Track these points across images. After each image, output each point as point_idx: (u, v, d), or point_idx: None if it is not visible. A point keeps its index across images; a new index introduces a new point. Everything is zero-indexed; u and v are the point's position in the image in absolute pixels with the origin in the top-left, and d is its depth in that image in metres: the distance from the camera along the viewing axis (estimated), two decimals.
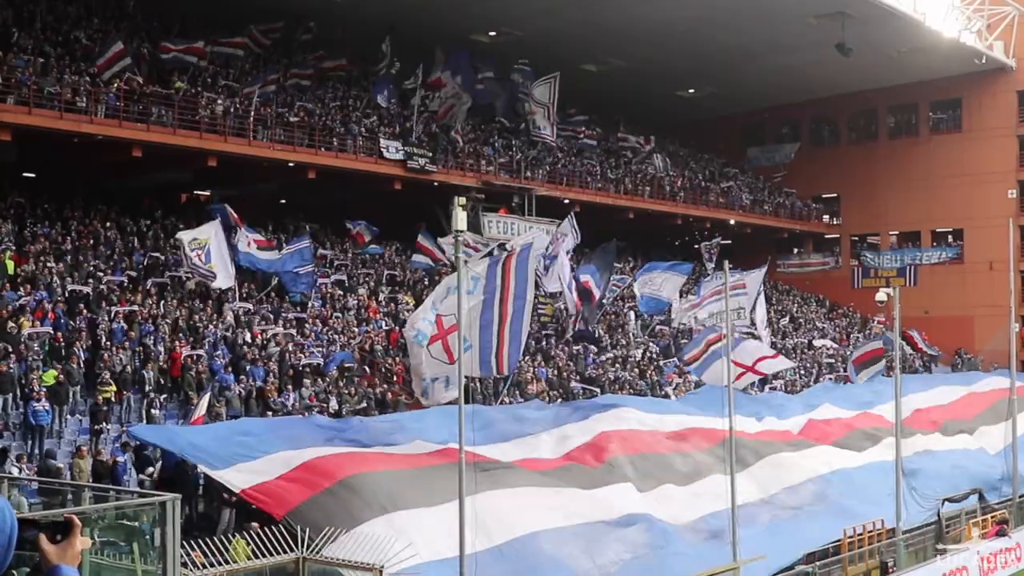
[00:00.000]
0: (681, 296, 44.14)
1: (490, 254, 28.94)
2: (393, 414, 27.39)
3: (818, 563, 24.28)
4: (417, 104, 41.72)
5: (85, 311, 27.46)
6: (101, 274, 29.96)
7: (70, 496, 14.49)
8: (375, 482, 20.70)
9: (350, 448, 22.48)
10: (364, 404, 28.78)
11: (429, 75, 42.13)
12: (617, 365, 39.15)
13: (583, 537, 22.41)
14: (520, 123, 47.76)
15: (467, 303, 24.00)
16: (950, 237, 60.84)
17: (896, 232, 62.73)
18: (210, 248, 30.75)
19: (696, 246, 58.03)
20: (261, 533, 16.53)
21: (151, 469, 22.42)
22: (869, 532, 25.96)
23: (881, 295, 33.85)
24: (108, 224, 33.61)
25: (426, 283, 39.71)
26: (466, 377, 24.47)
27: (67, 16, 36.31)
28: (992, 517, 29.31)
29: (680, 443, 28.72)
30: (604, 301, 40.38)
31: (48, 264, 28.99)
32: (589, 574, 21.23)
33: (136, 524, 12.32)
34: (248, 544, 16.79)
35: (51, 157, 33.66)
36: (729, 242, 56.60)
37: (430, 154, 40.90)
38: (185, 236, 30.50)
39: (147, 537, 10.75)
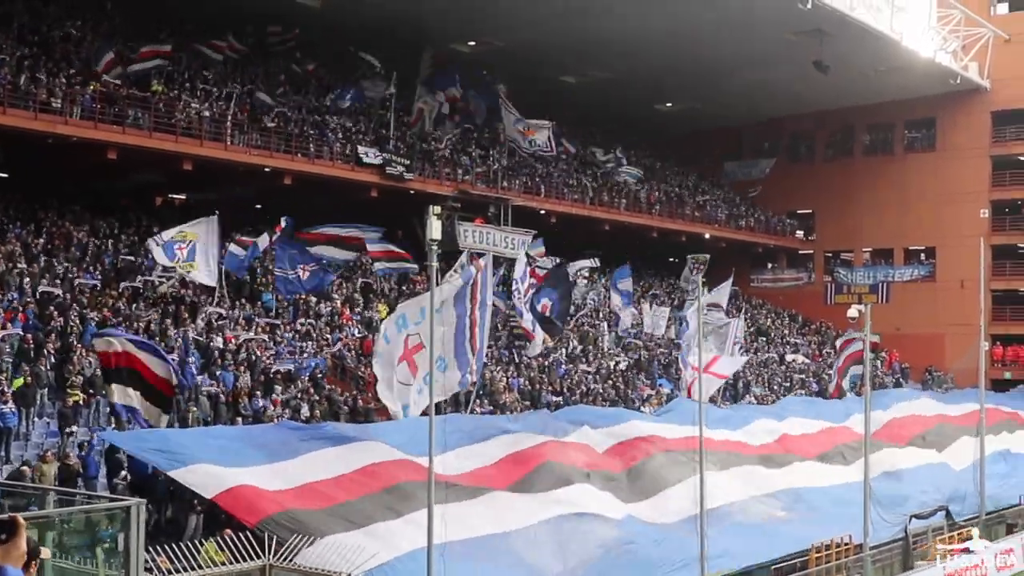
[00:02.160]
0: (651, 306, 44.37)
1: (462, 266, 28.83)
2: (364, 424, 27.27)
3: None
4: (391, 111, 41.74)
5: (56, 313, 27.25)
6: (73, 276, 29.76)
7: (33, 500, 14.39)
8: (350, 506, 20.67)
9: (323, 464, 22.27)
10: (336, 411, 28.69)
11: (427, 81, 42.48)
12: (589, 377, 39.20)
13: (553, 536, 22.43)
14: (499, 135, 47.85)
15: (439, 321, 24.06)
16: (923, 255, 61.29)
17: (869, 249, 63.16)
18: (196, 245, 30.64)
19: (672, 259, 58.32)
20: (231, 539, 16.47)
21: (124, 473, 22.23)
22: (837, 547, 26.09)
23: (853, 311, 33.95)
24: (81, 226, 33.44)
25: (401, 290, 39.69)
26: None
27: (45, 16, 36.10)
28: (958, 534, 29.49)
29: (648, 449, 28.79)
30: (559, 323, 39.75)
31: (19, 265, 28.79)
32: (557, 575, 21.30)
33: (99, 529, 12.25)
34: (220, 551, 16.73)
35: (25, 158, 33.45)
36: (707, 256, 56.73)
37: (407, 162, 40.92)
38: (170, 231, 30.33)
39: (107, 544, 10.70)
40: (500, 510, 22.81)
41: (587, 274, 47.11)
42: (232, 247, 32.73)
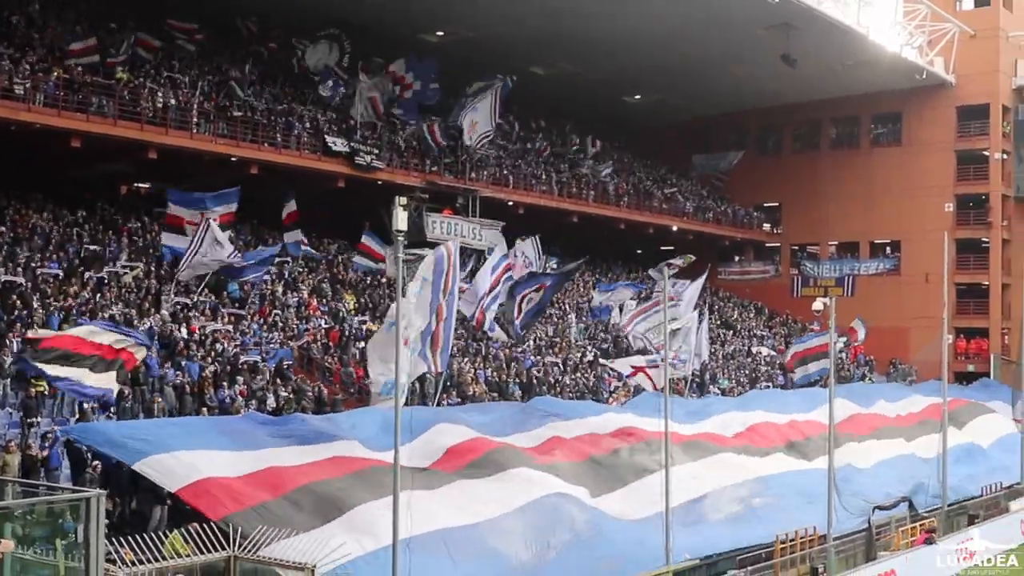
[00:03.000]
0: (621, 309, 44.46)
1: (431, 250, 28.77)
2: (330, 414, 27.20)
3: (750, 567, 24.52)
4: (360, 101, 41.56)
5: (19, 303, 26.96)
6: (36, 265, 29.46)
7: None
8: (317, 491, 20.59)
9: (289, 453, 22.19)
10: (302, 402, 28.58)
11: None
12: (557, 368, 39.26)
13: (522, 523, 22.44)
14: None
15: (413, 305, 24.03)
16: (888, 248, 61.77)
17: (835, 242, 63.58)
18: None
19: (639, 251, 58.49)
20: (196, 531, 16.38)
21: (96, 463, 21.99)
22: (801, 538, 26.26)
23: (818, 304, 34.31)
24: (45, 215, 33.10)
25: (368, 282, 39.57)
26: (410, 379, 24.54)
27: (6, 2, 35.61)
28: (921, 525, 29.75)
29: (616, 443, 28.85)
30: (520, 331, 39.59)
31: None
32: (525, 564, 21.24)
33: (62, 521, 12.16)
34: (185, 544, 16.62)
35: None
36: (672, 248, 57.05)
37: (376, 151, 40.79)
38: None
39: (70, 537, 10.61)
40: (469, 499, 22.75)
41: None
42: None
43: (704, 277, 44.91)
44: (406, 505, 17.75)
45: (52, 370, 21.73)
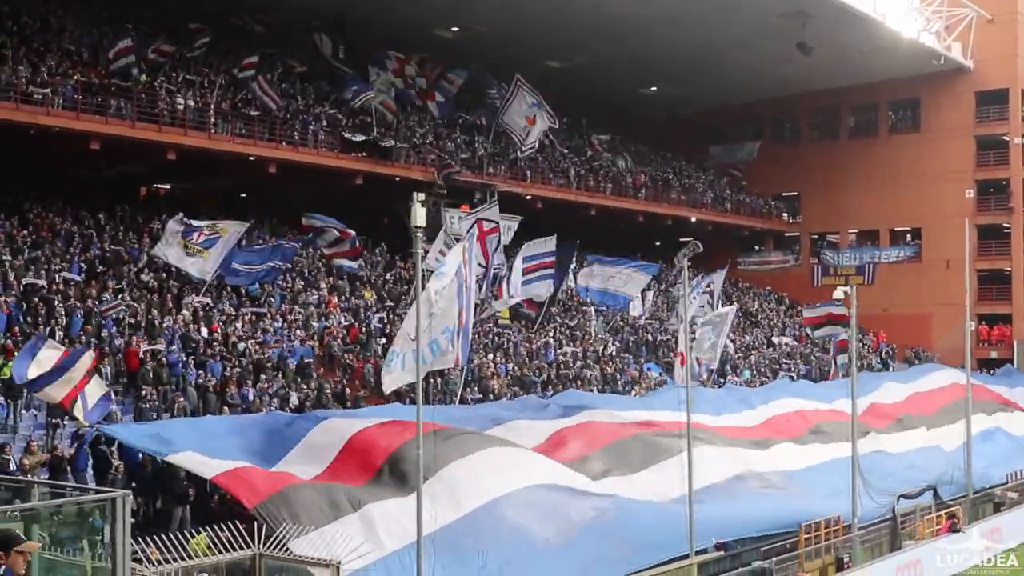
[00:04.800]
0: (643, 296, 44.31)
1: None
2: (353, 409, 27.33)
3: (775, 559, 24.45)
4: (374, 98, 41.69)
5: (41, 305, 27.14)
6: (57, 268, 29.62)
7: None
8: (342, 487, 20.68)
9: (315, 449, 22.38)
10: (324, 400, 28.68)
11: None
12: (579, 362, 39.24)
13: (546, 499, 22.42)
14: (486, 121, 47.77)
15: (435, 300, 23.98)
16: (908, 236, 61.43)
17: (855, 230, 63.25)
18: (219, 239, 30.79)
19: (658, 243, 58.33)
20: (220, 529, 16.45)
21: (118, 463, 22.18)
22: (826, 528, 26.18)
23: (839, 293, 34.12)
24: (65, 217, 33.28)
25: (386, 278, 39.63)
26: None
27: (24, 4, 35.82)
28: (945, 513, 29.62)
29: (640, 432, 28.87)
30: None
31: (3, 257, 28.65)
32: (550, 542, 21.19)
33: (92, 519, 12.23)
34: (211, 547, 16.68)
35: (8, 149, 33.22)
36: (691, 239, 56.75)
37: (392, 142, 40.95)
38: (203, 221, 30.34)
39: (98, 537, 10.69)
40: (492, 472, 22.79)
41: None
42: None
43: (725, 269, 44.77)
44: (432, 490, 17.70)
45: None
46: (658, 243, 59.47)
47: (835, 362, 40.79)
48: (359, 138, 39.89)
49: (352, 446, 22.37)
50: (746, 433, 32.66)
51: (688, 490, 22.83)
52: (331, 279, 37.43)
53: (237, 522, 17.00)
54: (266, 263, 33.04)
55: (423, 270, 20.02)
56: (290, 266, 35.55)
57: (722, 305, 43.68)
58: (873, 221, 61.78)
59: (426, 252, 30.93)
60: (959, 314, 37.14)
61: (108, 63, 33.69)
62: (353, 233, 36.18)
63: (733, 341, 46.68)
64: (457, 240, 28.80)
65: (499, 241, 35.96)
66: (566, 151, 53.65)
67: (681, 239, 55.94)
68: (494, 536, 20.54)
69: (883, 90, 60.41)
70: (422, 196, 17.66)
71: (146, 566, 15.11)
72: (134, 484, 20.74)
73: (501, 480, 22.27)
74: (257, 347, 29.86)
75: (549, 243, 36.02)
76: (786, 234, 65.30)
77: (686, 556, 22.43)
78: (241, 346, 29.48)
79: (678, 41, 49.92)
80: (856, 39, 51.78)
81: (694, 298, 37.87)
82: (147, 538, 15.68)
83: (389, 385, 22.91)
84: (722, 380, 42.09)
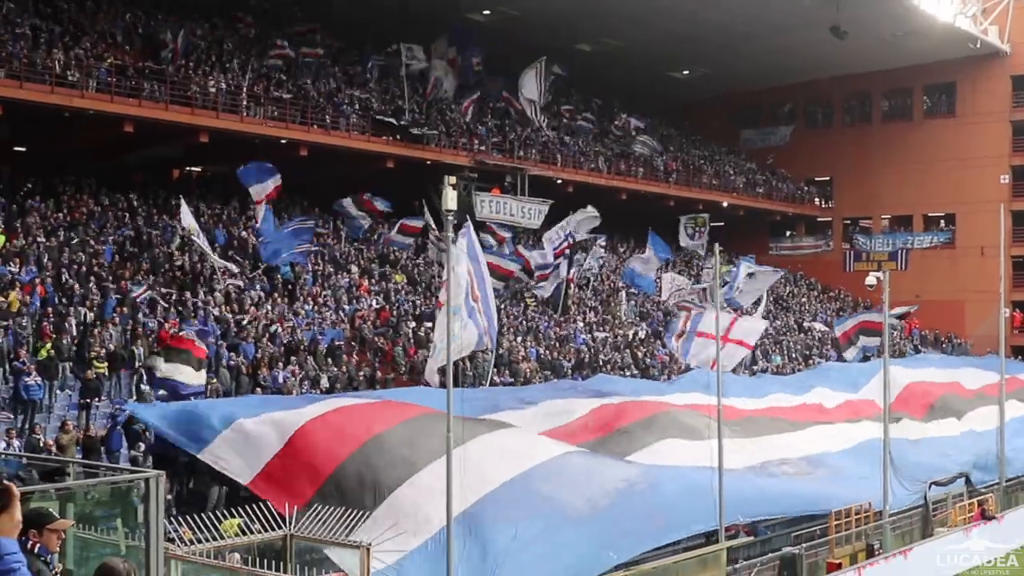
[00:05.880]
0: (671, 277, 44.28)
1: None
2: (382, 390, 27.46)
3: (805, 545, 24.39)
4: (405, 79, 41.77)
5: (76, 287, 27.39)
6: (92, 250, 29.85)
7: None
8: (373, 455, 20.71)
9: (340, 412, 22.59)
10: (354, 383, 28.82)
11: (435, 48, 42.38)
12: (608, 346, 39.20)
13: (577, 468, 22.41)
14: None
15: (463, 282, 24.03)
16: (942, 221, 60.95)
17: (888, 216, 62.81)
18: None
19: (678, 217, 58.12)
20: (253, 511, 16.56)
21: (143, 445, 22.43)
22: (857, 514, 26.07)
23: (871, 279, 33.96)
24: (99, 200, 33.52)
25: (417, 261, 39.70)
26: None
27: None
28: (977, 501, 29.45)
29: (670, 411, 28.88)
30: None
31: (39, 239, 28.91)
32: (580, 512, 21.16)
33: (130, 498, 12.36)
34: (243, 531, 16.79)
35: (42, 132, 33.52)
36: (722, 224, 56.59)
37: (423, 126, 41.00)
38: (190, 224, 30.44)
39: (135, 514, 10.81)
40: (524, 444, 22.86)
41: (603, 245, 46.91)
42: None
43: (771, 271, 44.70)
44: (459, 477, 17.71)
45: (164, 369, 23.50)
46: (678, 217, 59.09)
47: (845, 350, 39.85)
48: (392, 123, 39.94)
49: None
50: (782, 414, 32.57)
51: (719, 476, 22.72)
52: (362, 262, 37.55)
53: (270, 503, 17.12)
54: (300, 245, 33.20)
55: (445, 250, 20.01)
56: (320, 248, 35.72)
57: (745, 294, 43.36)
58: (906, 206, 61.29)
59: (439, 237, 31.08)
60: (993, 301, 36.90)
61: (156, 50, 34.00)
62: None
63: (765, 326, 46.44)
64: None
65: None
66: (597, 133, 53.51)
67: (713, 224, 55.91)
68: (526, 508, 20.46)
69: (918, 74, 59.87)
70: (453, 179, 17.69)
71: (179, 546, 15.24)
72: (165, 464, 20.91)
73: (530, 451, 22.34)
74: (288, 330, 30.00)
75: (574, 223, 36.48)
76: (818, 219, 64.94)
77: (714, 532, 22.41)
78: (273, 328, 29.62)
79: (710, 24, 49.63)
80: (891, 23, 51.34)
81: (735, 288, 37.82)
82: (181, 518, 15.81)
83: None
84: (754, 367, 41.94)
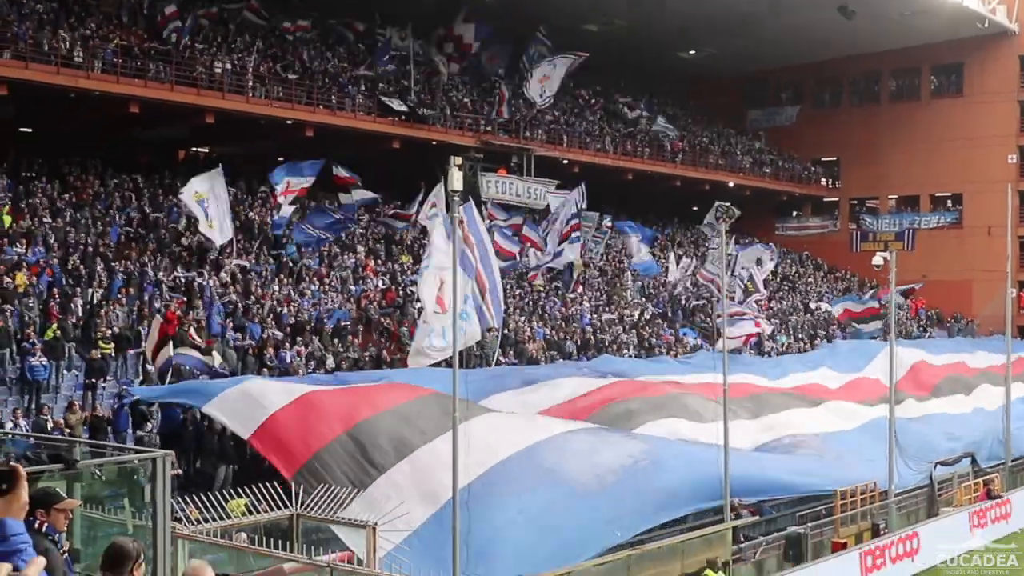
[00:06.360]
0: (677, 259, 44.25)
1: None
2: (387, 370, 27.51)
3: (810, 524, 24.45)
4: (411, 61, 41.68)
5: (81, 267, 27.45)
6: (98, 231, 29.90)
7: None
8: (379, 426, 20.77)
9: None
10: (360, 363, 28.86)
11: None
12: (615, 327, 39.22)
13: (583, 444, 22.48)
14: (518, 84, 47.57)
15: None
16: (949, 201, 60.74)
17: (895, 196, 62.60)
18: (208, 201, 30.69)
19: (695, 207, 57.96)
20: (259, 490, 16.62)
21: (149, 425, 22.54)
22: (862, 494, 26.12)
23: (878, 259, 33.81)
24: (105, 181, 33.54)
25: (424, 242, 39.63)
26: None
27: None
28: (982, 480, 29.48)
29: (674, 391, 28.95)
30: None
31: (45, 220, 28.95)
32: (588, 487, 21.23)
33: (136, 477, 12.40)
34: (249, 510, 16.86)
35: (48, 112, 33.52)
36: (728, 204, 56.32)
37: (431, 111, 40.92)
38: (186, 190, 30.33)
39: (144, 493, 10.86)
40: (525, 423, 22.96)
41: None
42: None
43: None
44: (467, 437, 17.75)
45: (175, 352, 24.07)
46: (695, 208, 59.05)
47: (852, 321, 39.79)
48: (397, 103, 39.81)
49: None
50: (786, 394, 32.61)
51: (724, 456, 22.76)
52: (369, 243, 37.56)
53: (275, 483, 17.18)
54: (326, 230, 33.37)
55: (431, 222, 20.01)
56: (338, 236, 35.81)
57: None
58: (913, 186, 61.08)
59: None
60: (1000, 281, 36.78)
61: (158, 30, 33.86)
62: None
63: (771, 308, 46.44)
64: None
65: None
66: (601, 114, 53.36)
67: (718, 204, 55.73)
68: (534, 480, 20.53)
69: (925, 54, 59.54)
70: (459, 160, 17.66)
71: (185, 525, 15.30)
72: (172, 444, 21.01)
73: (535, 429, 22.44)
74: (294, 310, 30.05)
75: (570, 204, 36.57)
76: (825, 199, 64.74)
77: (719, 508, 22.47)
78: (279, 309, 29.67)
79: (717, 3, 49.41)
80: (898, 2, 51.08)
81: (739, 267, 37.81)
82: (188, 498, 15.88)
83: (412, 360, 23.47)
84: (756, 349, 41.95)
